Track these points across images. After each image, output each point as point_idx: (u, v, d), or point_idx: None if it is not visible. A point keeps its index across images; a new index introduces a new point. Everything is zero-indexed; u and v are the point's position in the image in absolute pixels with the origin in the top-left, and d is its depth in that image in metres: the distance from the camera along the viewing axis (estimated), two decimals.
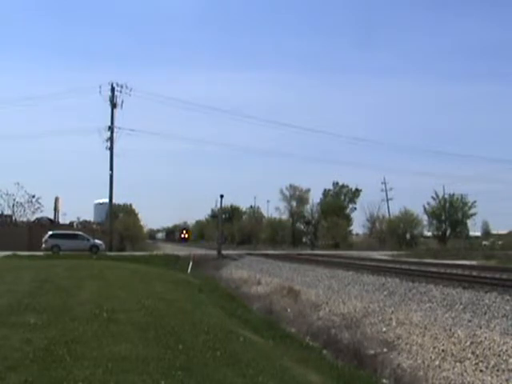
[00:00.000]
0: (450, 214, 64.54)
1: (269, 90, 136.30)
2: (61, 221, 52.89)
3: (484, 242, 63.54)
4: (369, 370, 9.00)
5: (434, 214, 65.47)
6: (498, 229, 61.65)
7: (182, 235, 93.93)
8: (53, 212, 53.75)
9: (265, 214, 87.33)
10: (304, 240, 76.07)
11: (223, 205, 55.36)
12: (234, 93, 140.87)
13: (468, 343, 9.68)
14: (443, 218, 64.88)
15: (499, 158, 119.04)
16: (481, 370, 8.75)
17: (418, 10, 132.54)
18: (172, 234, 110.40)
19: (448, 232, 64.89)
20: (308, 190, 75.69)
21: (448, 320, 11.20)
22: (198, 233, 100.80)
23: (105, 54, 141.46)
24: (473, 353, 9.32)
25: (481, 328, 10.17)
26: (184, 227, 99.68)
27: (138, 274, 17.53)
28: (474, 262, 29.27)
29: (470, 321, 10.80)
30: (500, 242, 56.15)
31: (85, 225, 52.22)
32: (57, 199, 54.38)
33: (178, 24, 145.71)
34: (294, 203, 76.00)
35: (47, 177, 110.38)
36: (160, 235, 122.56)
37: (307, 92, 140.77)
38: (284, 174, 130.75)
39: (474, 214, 64.27)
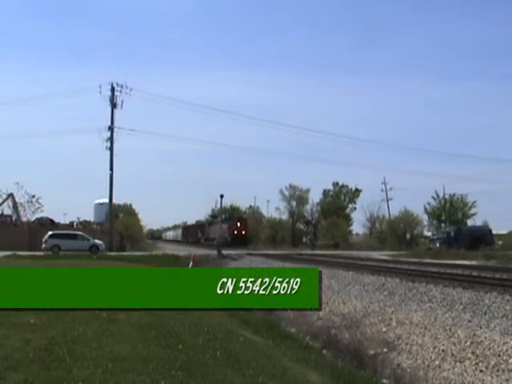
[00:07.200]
0: (450, 213, 64.55)
1: (268, 90, 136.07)
2: (62, 221, 52.90)
3: None
4: (369, 370, 8.98)
5: (434, 214, 65.49)
6: (498, 229, 61.71)
7: (235, 231, 57.72)
8: (25, 211, 47.95)
9: (265, 213, 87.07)
10: (304, 240, 75.93)
11: (223, 205, 55.23)
12: (234, 93, 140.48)
13: (468, 343, 9.68)
14: (443, 218, 64.90)
15: (499, 158, 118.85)
16: (481, 370, 8.74)
17: (417, 10, 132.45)
18: (200, 231, 76.52)
19: None
20: (308, 190, 75.66)
21: (448, 320, 11.20)
22: None
23: (105, 54, 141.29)
24: (473, 353, 9.32)
25: (481, 328, 10.17)
26: (238, 218, 64.81)
27: None
28: (473, 262, 29.22)
29: (470, 321, 10.80)
30: (500, 242, 55.97)
31: (85, 225, 52.18)
32: (10, 195, 47.09)
33: (177, 24, 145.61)
34: (293, 203, 75.99)
35: (47, 177, 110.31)
36: (171, 233, 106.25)
37: (307, 92, 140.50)
38: (284, 174, 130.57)
39: (474, 214, 64.29)
